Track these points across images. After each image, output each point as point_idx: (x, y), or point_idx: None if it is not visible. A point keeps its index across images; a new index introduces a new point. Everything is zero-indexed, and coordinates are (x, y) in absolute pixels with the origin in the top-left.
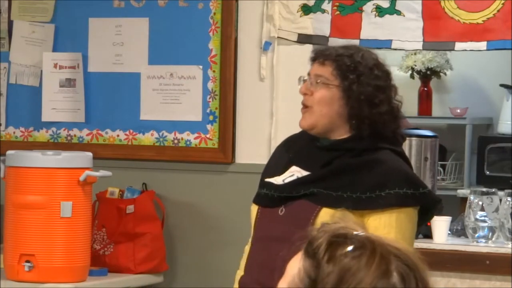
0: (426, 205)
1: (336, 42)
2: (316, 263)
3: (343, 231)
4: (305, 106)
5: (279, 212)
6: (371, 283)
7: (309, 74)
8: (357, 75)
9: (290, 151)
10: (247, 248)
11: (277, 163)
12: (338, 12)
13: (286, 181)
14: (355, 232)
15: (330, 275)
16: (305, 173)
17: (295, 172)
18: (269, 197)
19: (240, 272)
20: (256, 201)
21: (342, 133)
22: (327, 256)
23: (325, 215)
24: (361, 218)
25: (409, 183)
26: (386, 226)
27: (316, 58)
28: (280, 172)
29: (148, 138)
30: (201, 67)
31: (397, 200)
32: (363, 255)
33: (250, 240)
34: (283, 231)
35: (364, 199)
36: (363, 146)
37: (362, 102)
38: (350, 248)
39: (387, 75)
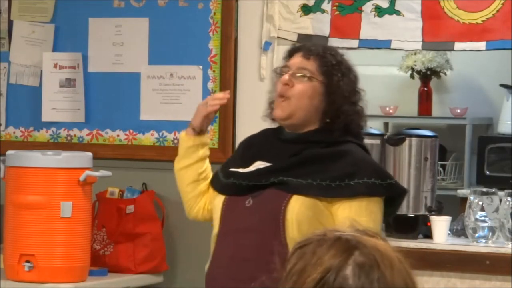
0: (393, 196)
1: (335, 42)
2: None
3: (326, 232)
4: (282, 96)
5: (246, 203)
6: (324, 269)
7: (287, 66)
8: (342, 74)
9: (252, 149)
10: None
11: (238, 160)
12: (337, 12)
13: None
14: (338, 232)
15: (292, 259)
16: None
17: (260, 166)
18: (236, 186)
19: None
20: (222, 190)
21: (310, 127)
22: (296, 248)
23: (296, 202)
24: (329, 205)
25: (377, 173)
26: (356, 214)
27: (299, 51)
28: (237, 167)
29: (148, 138)
30: (201, 67)
31: (366, 189)
32: (324, 243)
33: (214, 234)
34: (251, 222)
35: (334, 187)
36: (331, 138)
37: (344, 99)
38: (316, 241)
39: (357, 78)
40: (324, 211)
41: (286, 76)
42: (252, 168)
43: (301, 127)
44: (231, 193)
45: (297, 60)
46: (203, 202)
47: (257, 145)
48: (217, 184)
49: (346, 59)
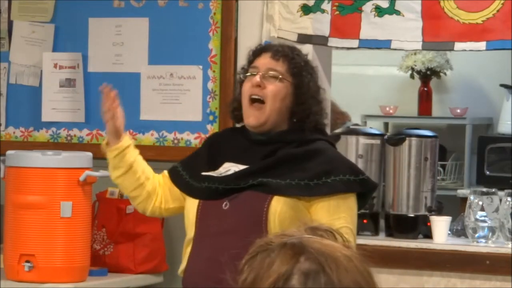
0: (364, 191)
1: (335, 42)
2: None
3: (273, 238)
4: (255, 101)
5: (223, 206)
6: (273, 280)
7: (255, 67)
8: (310, 74)
9: (218, 148)
10: (187, 248)
11: (205, 161)
12: (337, 12)
13: (225, 174)
14: (284, 237)
15: (244, 272)
16: (242, 167)
17: (231, 167)
18: (212, 190)
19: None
20: (196, 195)
21: (279, 128)
22: (246, 260)
23: (277, 203)
24: (308, 204)
25: (351, 170)
26: (335, 211)
27: (266, 51)
28: (206, 170)
29: (148, 138)
30: (201, 67)
31: (343, 185)
32: (271, 252)
33: (190, 238)
34: (230, 224)
35: (313, 186)
36: (302, 138)
37: (312, 99)
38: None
39: (319, 76)
40: (304, 210)
41: (257, 78)
42: (222, 170)
43: (273, 129)
44: (205, 197)
45: (266, 60)
46: (158, 202)
47: (224, 145)
48: (185, 185)
49: (309, 58)
